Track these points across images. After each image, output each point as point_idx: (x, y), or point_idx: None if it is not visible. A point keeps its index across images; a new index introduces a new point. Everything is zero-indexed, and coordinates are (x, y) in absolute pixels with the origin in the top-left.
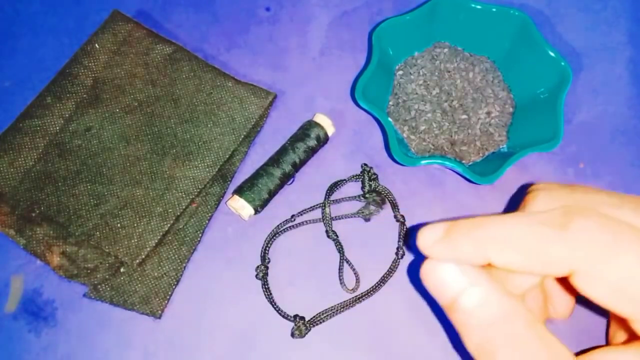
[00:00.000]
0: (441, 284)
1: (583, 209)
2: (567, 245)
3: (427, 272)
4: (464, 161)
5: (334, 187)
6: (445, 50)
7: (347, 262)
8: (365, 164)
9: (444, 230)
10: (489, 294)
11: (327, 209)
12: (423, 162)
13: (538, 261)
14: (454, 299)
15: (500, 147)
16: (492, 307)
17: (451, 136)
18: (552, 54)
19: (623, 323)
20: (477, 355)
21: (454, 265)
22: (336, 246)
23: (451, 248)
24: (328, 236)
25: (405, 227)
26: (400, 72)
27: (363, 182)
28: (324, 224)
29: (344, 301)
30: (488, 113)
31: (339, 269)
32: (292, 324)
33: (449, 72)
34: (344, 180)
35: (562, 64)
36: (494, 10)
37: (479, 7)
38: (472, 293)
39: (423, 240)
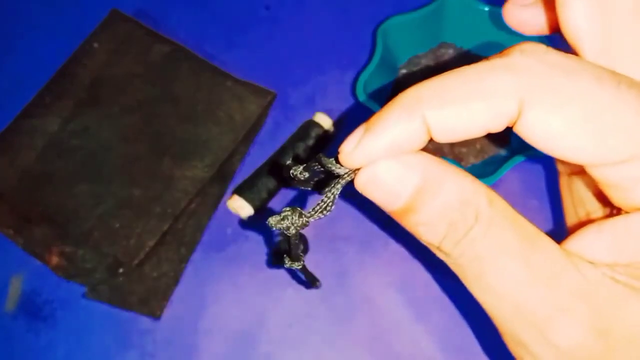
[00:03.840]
0: (388, 186)
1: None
2: (510, 70)
3: (364, 183)
4: (462, 163)
5: None
6: (450, 50)
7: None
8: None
9: (365, 125)
10: (442, 177)
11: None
12: None
13: (482, 105)
14: (408, 201)
15: (500, 151)
16: (449, 192)
17: None
18: None
19: (580, 183)
20: (458, 258)
21: (393, 161)
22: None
23: (378, 133)
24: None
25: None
26: (404, 71)
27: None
28: None
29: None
30: None
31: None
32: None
33: None
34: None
35: None
36: (501, 12)
37: (486, 9)
38: (428, 184)
39: (345, 148)
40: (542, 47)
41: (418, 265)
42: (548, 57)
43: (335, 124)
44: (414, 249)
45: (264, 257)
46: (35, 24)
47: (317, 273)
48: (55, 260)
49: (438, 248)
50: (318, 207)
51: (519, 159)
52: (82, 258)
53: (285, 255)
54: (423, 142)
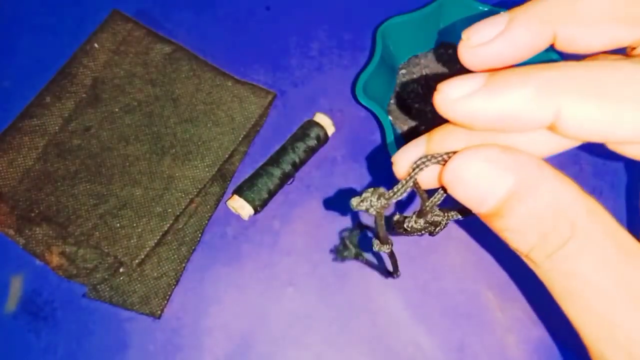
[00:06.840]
0: (475, 189)
1: None
2: None
3: (450, 180)
4: None
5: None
6: (450, 51)
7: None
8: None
9: (487, 77)
10: (535, 179)
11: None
12: None
13: (631, 114)
14: (496, 205)
15: None
16: (543, 197)
17: None
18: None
19: None
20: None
21: (486, 164)
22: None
23: (500, 94)
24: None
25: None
26: (403, 71)
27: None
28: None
29: None
30: None
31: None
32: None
33: (453, 73)
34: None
35: None
36: (501, 12)
37: (486, 9)
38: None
39: (448, 91)
40: None
41: (418, 265)
42: None
43: (335, 124)
44: (414, 249)
45: (264, 257)
46: (35, 24)
47: (316, 272)
48: (56, 260)
49: (526, 256)
50: (397, 190)
51: None
52: (83, 258)
53: (374, 239)
54: (542, 127)
